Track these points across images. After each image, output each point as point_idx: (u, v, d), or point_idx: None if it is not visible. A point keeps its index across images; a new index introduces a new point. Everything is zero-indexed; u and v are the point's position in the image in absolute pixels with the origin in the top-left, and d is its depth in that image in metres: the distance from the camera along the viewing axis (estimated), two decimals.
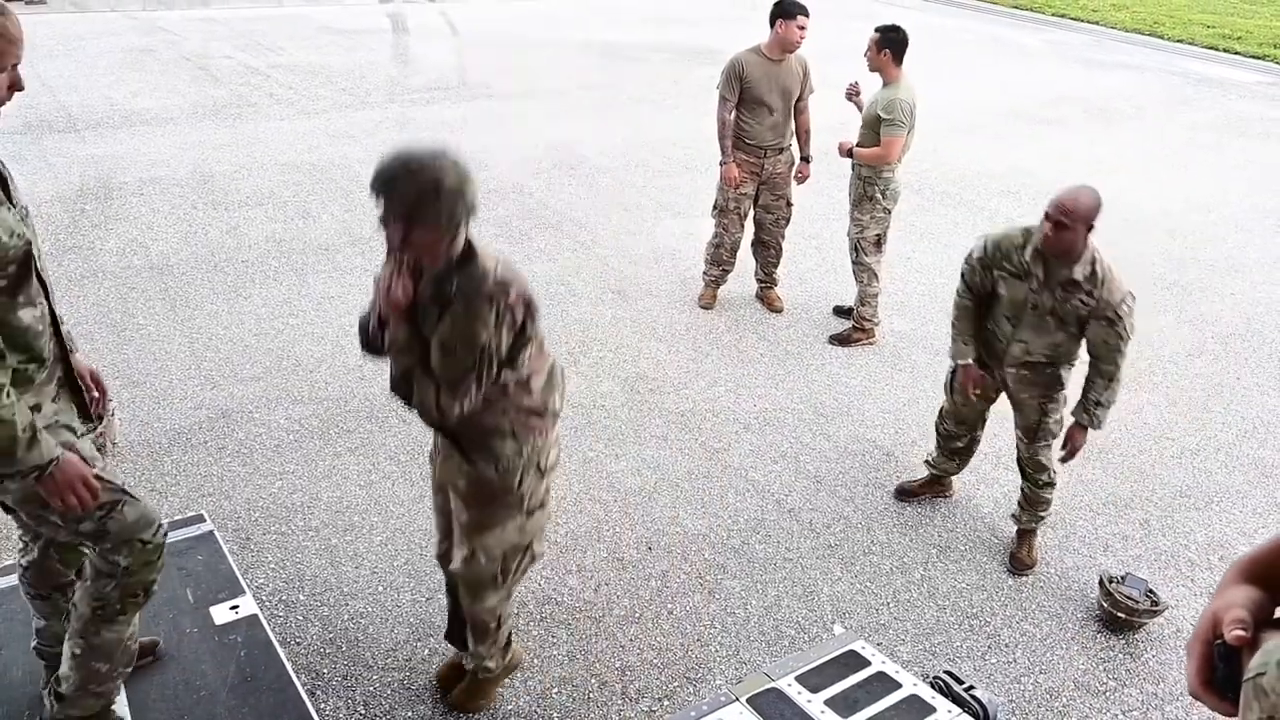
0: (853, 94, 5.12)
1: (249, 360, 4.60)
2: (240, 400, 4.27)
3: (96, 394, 2.32)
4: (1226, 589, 0.91)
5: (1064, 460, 3.47)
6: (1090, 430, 3.35)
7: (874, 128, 4.79)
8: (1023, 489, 3.65)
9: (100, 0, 13.05)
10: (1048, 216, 3.09)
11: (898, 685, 2.53)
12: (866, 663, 2.62)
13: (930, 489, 3.97)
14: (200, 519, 3.25)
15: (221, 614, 2.82)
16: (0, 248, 1.83)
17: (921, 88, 4.95)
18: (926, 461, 3.94)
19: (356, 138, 7.99)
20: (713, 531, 3.67)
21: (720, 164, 5.14)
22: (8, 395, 1.84)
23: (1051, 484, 3.58)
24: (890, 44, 4.70)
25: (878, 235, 5.03)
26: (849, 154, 4.89)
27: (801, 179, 5.31)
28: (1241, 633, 0.83)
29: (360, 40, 11.76)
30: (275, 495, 3.68)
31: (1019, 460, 3.63)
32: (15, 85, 1.87)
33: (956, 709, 2.46)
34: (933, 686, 2.57)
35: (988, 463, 4.23)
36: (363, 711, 2.79)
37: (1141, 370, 5.16)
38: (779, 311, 5.51)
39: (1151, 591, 3.31)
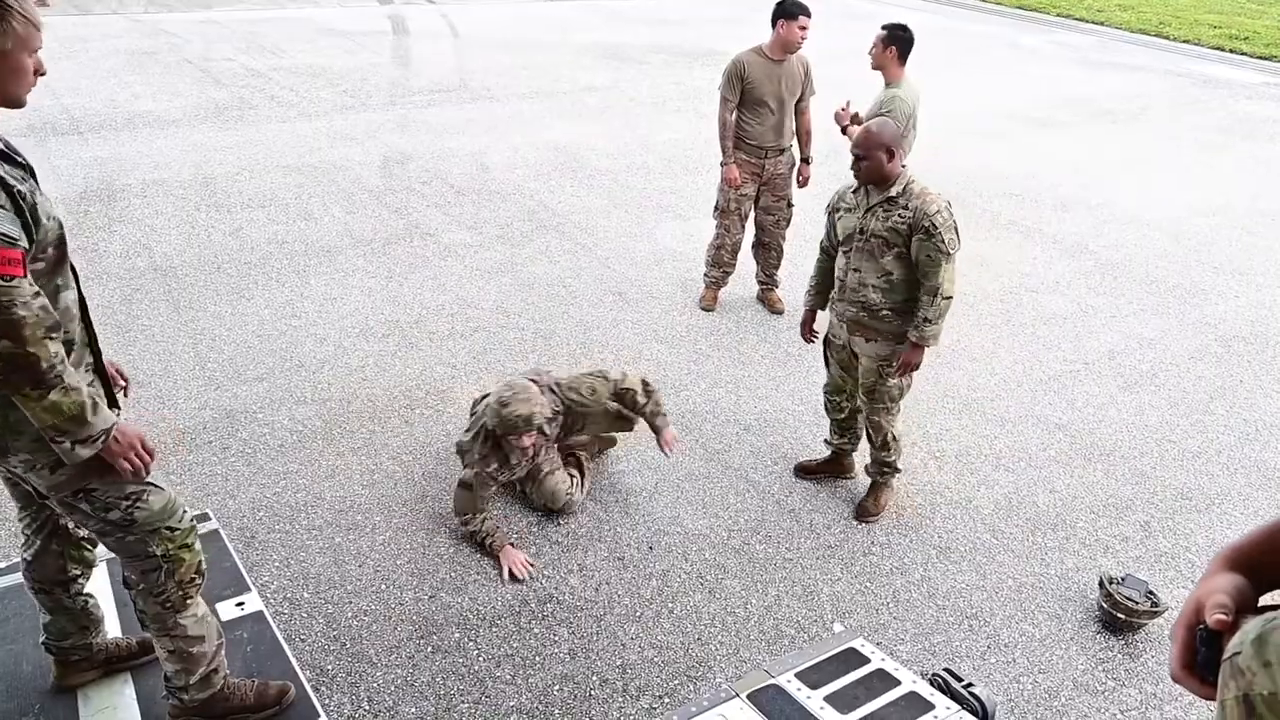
0: (845, 119, 5.01)
1: (252, 361, 4.62)
2: (244, 401, 4.29)
3: (123, 382, 2.40)
4: (1211, 577, 0.93)
5: (898, 373, 3.53)
6: (925, 349, 3.44)
7: None
8: (870, 448, 3.80)
9: (102, 3, 13.11)
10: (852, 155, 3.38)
11: (897, 682, 2.54)
12: (866, 660, 2.63)
13: (830, 468, 4.04)
14: (205, 518, 3.28)
15: (228, 611, 2.84)
16: (41, 230, 1.89)
17: (924, 89, 4.97)
18: (825, 440, 4.04)
19: (358, 140, 8.02)
20: (713, 531, 3.69)
21: (721, 165, 5.16)
22: (69, 364, 1.91)
23: (888, 447, 3.72)
24: (897, 42, 4.70)
25: None
26: (845, 128, 4.83)
27: (803, 181, 5.33)
28: (1223, 617, 0.85)
29: (361, 42, 11.80)
30: (279, 494, 3.70)
31: (865, 420, 3.75)
32: (39, 70, 1.92)
33: (955, 706, 2.48)
34: (932, 684, 2.59)
35: (988, 464, 4.25)
36: (366, 707, 2.81)
37: (1144, 372, 5.18)
38: (780, 313, 5.52)
39: (1151, 593, 3.32)
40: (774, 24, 4.94)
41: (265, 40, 11.48)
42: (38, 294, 1.84)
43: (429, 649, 3.03)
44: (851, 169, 3.42)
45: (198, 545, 2.28)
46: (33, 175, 1.98)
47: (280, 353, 4.71)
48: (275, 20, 12.76)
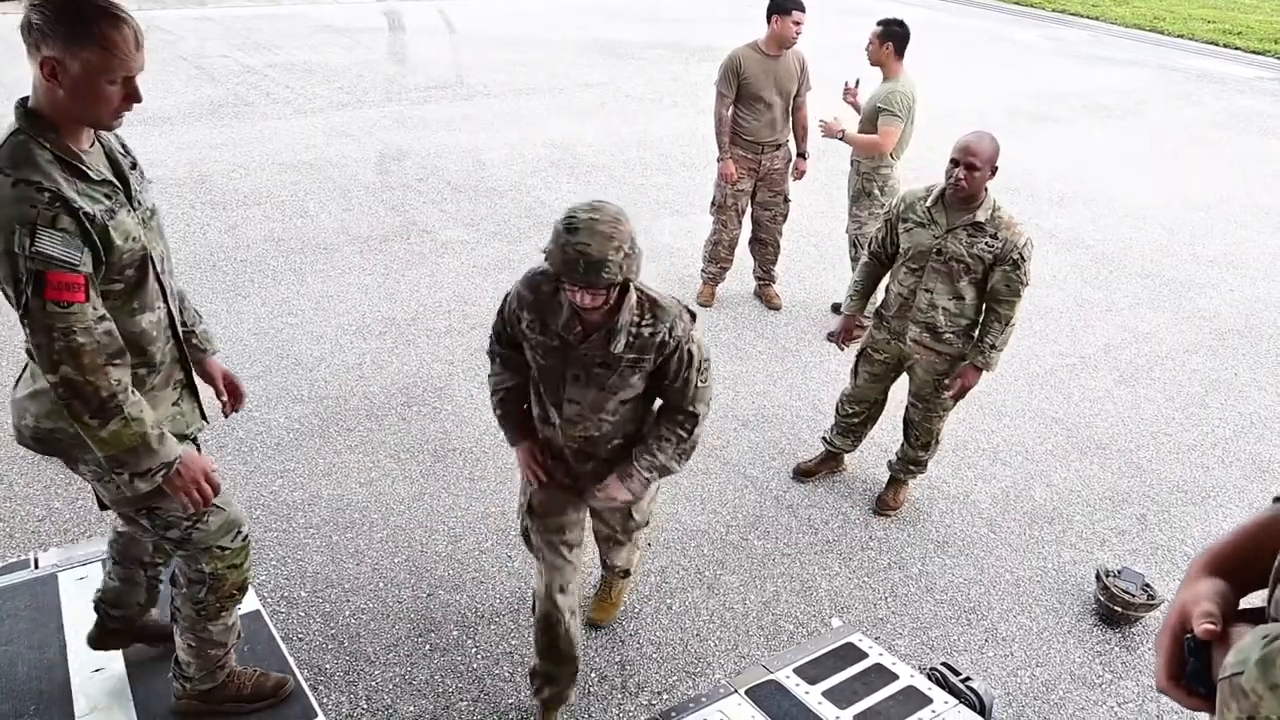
0: (849, 95, 5.10)
1: (248, 359, 4.61)
2: None
3: (226, 397, 2.40)
4: (1192, 583, 0.91)
5: (953, 398, 3.55)
6: (983, 372, 3.44)
7: (873, 121, 4.80)
8: (903, 445, 3.79)
9: None
10: (956, 162, 3.22)
11: (895, 677, 2.55)
12: (864, 655, 2.64)
13: (826, 465, 4.04)
14: None
15: None
16: (115, 252, 1.81)
17: (920, 84, 4.96)
18: (823, 438, 4.02)
19: (354, 136, 8.00)
20: (711, 527, 3.69)
21: (718, 160, 5.15)
22: (134, 394, 1.86)
23: (928, 447, 3.73)
24: (893, 37, 4.71)
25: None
26: (840, 135, 4.81)
27: (799, 174, 5.33)
28: (1211, 626, 0.84)
29: (357, 39, 11.76)
30: (276, 493, 3.70)
31: (907, 420, 3.74)
32: (132, 97, 1.79)
33: (953, 700, 2.48)
34: (929, 678, 2.59)
35: (985, 458, 4.25)
36: (365, 705, 2.81)
37: (1139, 366, 5.19)
38: (777, 309, 5.52)
39: (1148, 585, 3.33)
40: (769, 20, 4.94)
41: (260, 36, 11.44)
42: (102, 318, 1.79)
43: (427, 647, 3.03)
44: (951, 175, 3.23)
45: (246, 565, 2.28)
46: (124, 188, 1.89)
47: (276, 350, 4.70)
48: (270, 16, 12.72)
